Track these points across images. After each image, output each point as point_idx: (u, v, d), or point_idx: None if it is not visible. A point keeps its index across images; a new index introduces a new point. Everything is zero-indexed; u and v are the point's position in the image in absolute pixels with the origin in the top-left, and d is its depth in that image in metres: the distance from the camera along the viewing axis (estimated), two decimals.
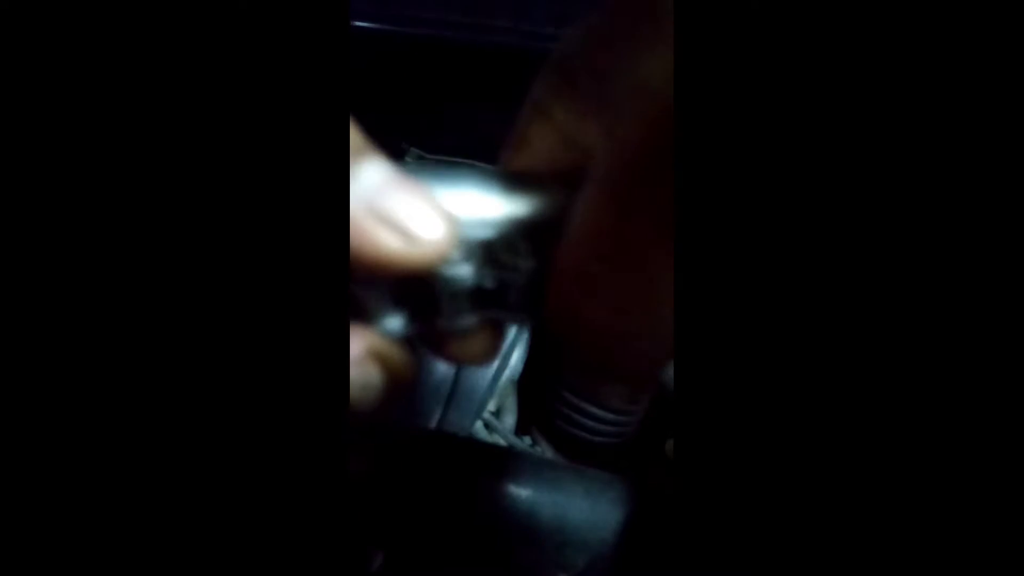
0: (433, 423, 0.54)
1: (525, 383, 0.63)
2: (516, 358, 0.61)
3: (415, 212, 0.16)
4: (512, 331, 0.58)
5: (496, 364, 0.57)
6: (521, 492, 0.37)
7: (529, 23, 0.62)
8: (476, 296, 0.18)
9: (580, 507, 0.37)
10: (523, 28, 0.62)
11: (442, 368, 0.56)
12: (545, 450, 0.61)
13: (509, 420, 0.62)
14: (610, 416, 0.58)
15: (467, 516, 0.37)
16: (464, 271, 0.17)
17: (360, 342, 0.18)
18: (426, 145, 0.73)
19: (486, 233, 0.17)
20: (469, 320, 0.18)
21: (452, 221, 0.16)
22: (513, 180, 0.17)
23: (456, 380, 0.56)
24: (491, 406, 0.61)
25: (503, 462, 0.38)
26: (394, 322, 0.18)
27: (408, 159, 0.72)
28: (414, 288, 0.17)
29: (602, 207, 0.15)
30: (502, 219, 0.17)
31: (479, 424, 0.58)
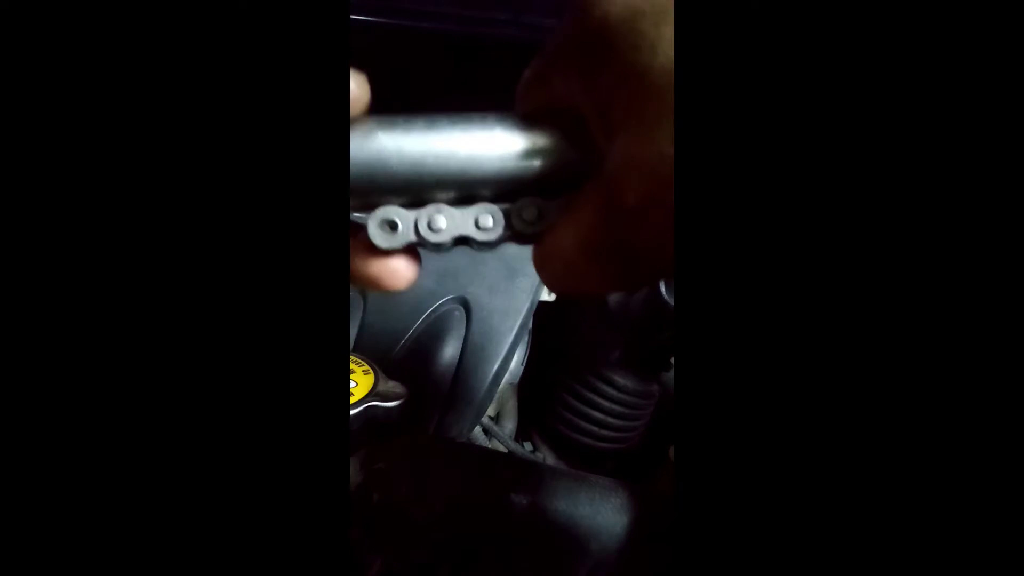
0: (430, 428, 0.53)
1: (525, 387, 0.63)
2: (516, 362, 0.60)
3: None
4: (512, 334, 0.57)
5: (495, 367, 0.56)
6: (521, 499, 0.37)
7: (530, 16, 0.62)
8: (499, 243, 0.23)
9: (581, 514, 0.37)
10: (524, 21, 0.62)
11: (440, 371, 0.55)
12: (546, 456, 0.60)
13: (509, 425, 0.61)
14: (613, 421, 0.57)
15: (465, 523, 0.36)
16: (494, 236, 0.22)
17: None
18: None
19: (505, 167, 0.20)
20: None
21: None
22: (526, 122, 0.21)
23: (454, 383, 0.55)
24: (490, 411, 0.60)
25: (503, 468, 0.38)
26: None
27: None
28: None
29: (592, 228, 0.18)
30: (518, 154, 0.20)
31: (478, 429, 0.57)
